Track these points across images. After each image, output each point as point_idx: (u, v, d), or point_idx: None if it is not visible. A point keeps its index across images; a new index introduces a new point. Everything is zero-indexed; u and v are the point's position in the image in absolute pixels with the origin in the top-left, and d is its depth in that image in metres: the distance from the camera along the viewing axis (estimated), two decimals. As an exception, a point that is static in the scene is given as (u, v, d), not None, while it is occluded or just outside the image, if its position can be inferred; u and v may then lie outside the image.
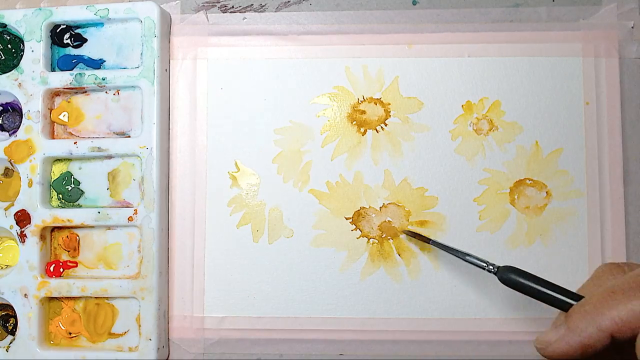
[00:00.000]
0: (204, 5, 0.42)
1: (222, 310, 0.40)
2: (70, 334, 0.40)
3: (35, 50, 0.40)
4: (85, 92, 0.41)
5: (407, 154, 0.41)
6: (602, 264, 0.28)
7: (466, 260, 0.35)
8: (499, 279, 0.33)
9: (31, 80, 0.40)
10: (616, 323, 0.23)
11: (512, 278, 0.32)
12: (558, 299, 0.29)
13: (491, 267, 0.34)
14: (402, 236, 0.40)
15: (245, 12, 0.42)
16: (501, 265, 0.33)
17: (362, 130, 0.41)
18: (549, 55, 0.40)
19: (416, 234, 0.39)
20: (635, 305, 0.23)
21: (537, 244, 0.40)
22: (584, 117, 0.40)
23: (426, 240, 0.38)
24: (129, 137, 0.40)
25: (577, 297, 0.28)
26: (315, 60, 0.41)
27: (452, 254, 0.36)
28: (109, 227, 0.40)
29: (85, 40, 0.41)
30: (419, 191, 0.40)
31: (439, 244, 0.38)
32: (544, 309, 0.39)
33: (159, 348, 0.39)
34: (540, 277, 0.31)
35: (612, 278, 0.26)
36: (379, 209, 0.40)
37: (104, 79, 0.40)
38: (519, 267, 0.32)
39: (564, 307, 0.28)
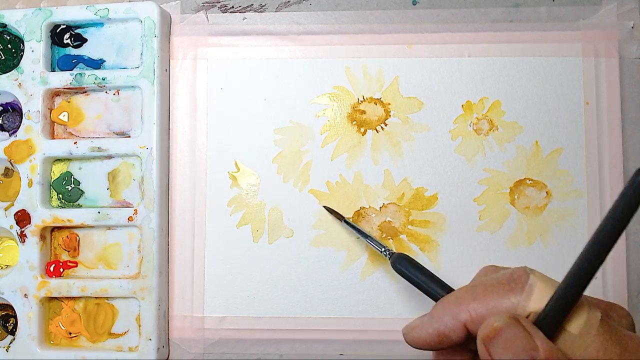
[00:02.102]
0: (204, 5, 0.42)
1: (222, 310, 0.40)
2: (70, 334, 0.40)
3: (35, 50, 0.40)
4: (85, 92, 0.41)
5: (407, 154, 0.41)
6: (485, 265, 0.29)
7: (368, 243, 0.37)
8: (392, 266, 0.34)
9: (31, 80, 0.40)
10: (470, 315, 0.24)
11: (402, 265, 0.33)
12: (434, 290, 0.30)
13: (387, 253, 0.35)
14: (323, 208, 0.41)
15: (245, 12, 0.42)
16: (396, 252, 0.34)
17: (362, 130, 0.41)
18: (549, 55, 0.40)
19: (333, 210, 0.40)
20: (490, 301, 0.24)
21: (537, 244, 0.40)
22: (584, 117, 0.40)
23: (340, 217, 0.39)
24: (129, 137, 0.40)
25: (451, 291, 0.29)
26: (315, 60, 0.41)
27: (359, 235, 0.38)
28: (109, 227, 0.40)
29: (85, 40, 0.41)
30: (419, 191, 0.40)
31: (350, 224, 0.39)
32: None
33: (159, 348, 0.39)
34: (429, 270, 0.32)
35: (483, 277, 0.27)
36: (379, 209, 0.40)
37: (104, 79, 0.40)
38: (411, 257, 0.33)
39: (437, 300, 0.29)
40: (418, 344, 0.26)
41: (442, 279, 0.32)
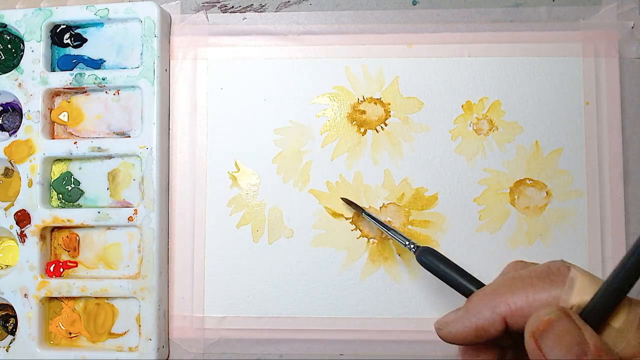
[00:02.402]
0: (204, 5, 0.42)
1: (222, 310, 0.40)
2: (70, 334, 0.40)
3: (35, 50, 0.40)
4: (85, 92, 0.41)
5: (407, 154, 0.41)
6: (512, 261, 0.29)
7: (390, 236, 0.37)
8: (417, 260, 0.33)
9: (31, 80, 0.40)
10: (510, 308, 0.24)
11: (428, 259, 0.32)
12: (463, 284, 0.30)
13: (412, 246, 0.35)
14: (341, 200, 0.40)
15: (245, 12, 0.42)
16: (422, 246, 0.34)
17: (362, 130, 0.41)
18: (549, 55, 0.40)
19: (352, 202, 0.40)
20: (530, 293, 0.23)
21: (537, 244, 0.40)
22: (584, 117, 0.40)
23: (360, 210, 0.39)
24: (129, 137, 0.40)
25: (482, 285, 0.29)
26: (315, 60, 0.41)
27: (381, 228, 0.38)
28: (109, 227, 0.40)
29: (85, 40, 0.41)
30: (419, 191, 0.40)
31: (370, 216, 0.38)
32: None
33: (159, 348, 0.39)
34: (456, 264, 0.31)
35: (514, 271, 0.27)
36: (379, 209, 0.40)
37: (104, 79, 0.40)
38: (437, 250, 0.33)
39: (468, 294, 0.29)
40: (454, 339, 0.26)
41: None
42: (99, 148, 0.40)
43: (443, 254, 0.38)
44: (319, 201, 0.40)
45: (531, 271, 0.24)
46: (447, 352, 0.39)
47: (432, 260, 0.32)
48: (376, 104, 0.41)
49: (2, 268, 0.41)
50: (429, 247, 0.33)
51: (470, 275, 0.30)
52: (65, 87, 0.40)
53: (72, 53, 0.41)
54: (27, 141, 0.40)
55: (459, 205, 0.40)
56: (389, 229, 0.37)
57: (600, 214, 0.39)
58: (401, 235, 0.36)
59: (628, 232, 0.39)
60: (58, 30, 0.41)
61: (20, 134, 0.40)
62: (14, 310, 0.39)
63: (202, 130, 0.41)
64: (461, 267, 0.31)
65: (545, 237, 0.40)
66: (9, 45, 0.41)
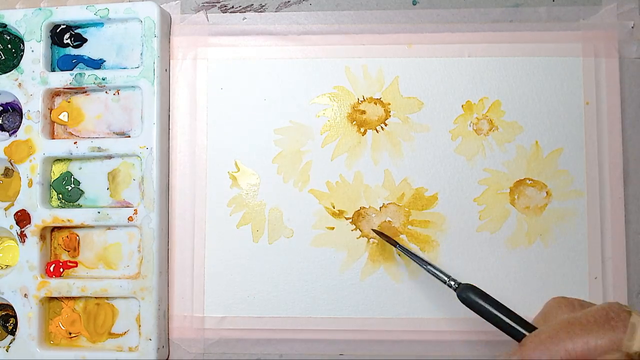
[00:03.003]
0: (204, 5, 0.42)
1: (222, 310, 0.40)
2: (70, 334, 0.40)
3: (35, 50, 0.40)
4: (85, 92, 0.41)
5: (407, 154, 0.41)
6: (552, 298, 0.28)
7: (428, 271, 0.35)
8: (458, 297, 0.33)
9: (31, 80, 0.40)
10: (570, 355, 0.23)
11: (471, 297, 0.32)
12: (513, 327, 0.29)
13: (452, 283, 0.34)
14: (372, 233, 0.39)
15: (245, 12, 0.42)
16: (463, 282, 0.33)
17: (362, 130, 0.41)
18: (549, 55, 0.40)
19: (384, 234, 0.39)
20: (591, 339, 0.23)
21: (537, 244, 0.40)
22: (584, 117, 0.40)
23: (393, 243, 0.38)
24: (129, 137, 0.40)
25: (531, 327, 0.28)
26: (315, 60, 0.41)
27: (415, 262, 0.36)
28: (109, 227, 0.40)
29: (85, 40, 0.41)
30: (419, 191, 0.40)
31: (405, 249, 0.37)
32: (544, 309, 0.39)
33: (159, 348, 0.39)
34: (500, 302, 0.31)
35: (562, 312, 0.27)
36: (379, 209, 0.40)
37: (104, 79, 0.40)
38: (479, 288, 0.32)
39: (518, 336, 0.28)
40: None
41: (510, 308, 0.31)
42: (99, 148, 0.40)
43: (441, 255, 0.38)
44: (319, 201, 0.40)
45: (588, 315, 0.24)
46: (447, 352, 0.39)
47: (474, 299, 0.31)
48: (376, 104, 0.41)
49: (2, 268, 0.41)
50: (470, 285, 0.32)
51: (517, 315, 0.30)
52: (65, 87, 0.40)
53: (72, 53, 0.41)
54: (27, 141, 0.40)
55: (459, 205, 0.40)
56: (425, 262, 0.36)
57: (600, 214, 0.39)
58: (439, 270, 0.35)
59: (628, 232, 0.39)
60: (58, 30, 0.41)
61: (20, 134, 0.40)
62: (14, 310, 0.39)
63: (202, 130, 0.41)
64: (505, 305, 0.31)
65: (545, 237, 0.40)
66: (9, 45, 0.41)
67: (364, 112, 0.41)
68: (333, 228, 0.40)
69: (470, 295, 0.32)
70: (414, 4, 0.41)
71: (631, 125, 0.40)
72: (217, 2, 0.42)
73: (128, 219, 0.39)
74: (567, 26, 0.40)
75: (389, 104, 0.41)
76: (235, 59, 0.41)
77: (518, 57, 0.40)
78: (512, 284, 0.39)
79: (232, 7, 0.42)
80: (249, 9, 0.42)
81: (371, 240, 0.40)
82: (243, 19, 0.42)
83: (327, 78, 0.41)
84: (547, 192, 0.40)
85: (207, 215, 0.41)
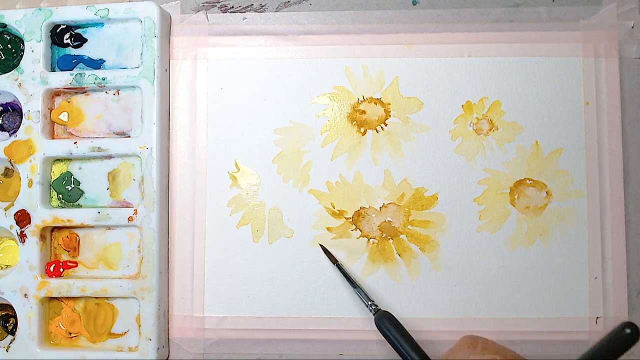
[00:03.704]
0: (204, 5, 0.42)
1: (222, 310, 0.40)
2: (70, 334, 0.40)
3: (35, 50, 0.40)
4: (85, 92, 0.41)
5: (407, 154, 0.41)
6: (464, 335, 0.30)
7: (356, 293, 0.38)
8: (374, 322, 0.35)
9: (31, 80, 0.40)
10: None
11: (383, 324, 0.34)
12: (411, 358, 0.32)
13: (372, 308, 0.36)
14: (320, 247, 0.40)
15: (245, 12, 0.42)
16: (382, 309, 0.36)
17: (362, 130, 0.41)
18: (549, 56, 0.40)
19: (327, 251, 0.40)
20: None
21: (537, 244, 0.40)
22: (584, 117, 0.40)
23: (333, 261, 0.39)
24: (129, 137, 0.40)
25: None
26: (315, 60, 0.41)
27: (348, 282, 0.38)
28: (109, 227, 0.40)
29: (85, 40, 0.41)
30: (419, 191, 0.40)
31: (342, 269, 0.39)
32: (542, 310, 0.39)
33: (159, 348, 0.39)
34: (409, 335, 0.34)
35: (461, 352, 0.28)
36: (379, 209, 0.40)
37: (104, 79, 0.40)
38: (396, 318, 0.35)
39: None
40: None
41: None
42: (99, 148, 0.40)
43: (441, 255, 0.38)
44: (319, 201, 0.40)
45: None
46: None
47: (387, 327, 0.34)
48: (376, 104, 0.41)
49: (2, 268, 0.41)
50: (387, 312, 0.35)
51: (422, 352, 0.32)
52: (65, 87, 0.40)
53: (72, 53, 0.41)
54: (27, 141, 0.40)
55: (459, 205, 0.40)
56: (354, 285, 0.38)
57: (600, 214, 0.39)
58: (364, 295, 0.37)
59: (628, 232, 0.39)
60: (58, 30, 0.41)
61: (20, 134, 0.40)
62: (14, 310, 0.39)
63: (202, 130, 0.41)
64: (414, 340, 0.33)
65: (545, 237, 0.40)
66: (9, 45, 0.41)
67: (364, 112, 0.41)
68: (333, 228, 0.40)
69: (383, 322, 0.34)
70: (414, 4, 0.41)
71: (631, 125, 0.40)
72: (217, 2, 0.42)
73: (128, 219, 0.39)
74: (567, 26, 0.40)
75: (389, 104, 0.41)
76: (235, 59, 0.41)
77: (518, 57, 0.40)
78: (512, 284, 0.39)
79: (232, 7, 0.42)
80: (249, 9, 0.42)
81: (371, 240, 0.40)
82: (243, 19, 0.42)
83: (327, 78, 0.41)
84: (547, 192, 0.40)
85: (207, 215, 0.41)
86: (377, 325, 0.35)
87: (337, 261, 0.39)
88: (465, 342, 0.28)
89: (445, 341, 0.39)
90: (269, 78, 0.41)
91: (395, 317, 0.35)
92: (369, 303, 0.37)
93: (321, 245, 0.40)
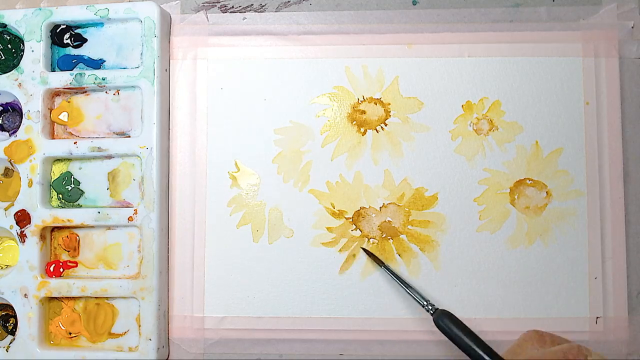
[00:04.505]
0: (204, 5, 0.42)
1: (222, 310, 0.40)
2: (70, 334, 0.40)
3: (35, 50, 0.40)
4: (85, 92, 0.41)
5: (407, 154, 0.41)
6: (528, 330, 0.30)
7: (408, 293, 0.37)
8: (434, 321, 0.35)
9: (31, 80, 0.40)
10: None
11: (446, 323, 0.34)
12: (479, 356, 0.31)
13: (429, 307, 0.36)
14: (362, 252, 0.40)
15: (245, 12, 0.42)
16: (440, 308, 0.35)
17: (362, 130, 0.41)
18: (549, 55, 0.40)
19: (372, 254, 0.40)
20: None
21: (537, 244, 0.40)
22: (584, 117, 0.40)
23: (379, 263, 0.39)
24: (129, 137, 0.40)
25: (498, 357, 0.30)
26: (315, 60, 0.41)
27: (398, 283, 0.38)
28: (109, 227, 0.40)
29: (85, 40, 0.41)
30: (419, 191, 0.40)
31: (391, 271, 0.39)
32: (542, 310, 0.39)
33: (159, 348, 0.39)
34: (473, 331, 0.33)
35: (532, 347, 0.28)
36: (379, 209, 0.40)
37: (104, 79, 0.40)
38: (456, 316, 0.34)
39: None
40: None
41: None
42: (99, 148, 0.40)
43: (441, 255, 0.38)
44: (319, 201, 0.40)
45: (547, 355, 0.25)
46: (447, 352, 0.39)
47: (449, 325, 0.33)
48: (376, 104, 0.41)
49: (2, 268, 0.41)
50: (446, 311, 0.34)
51: (488, 347, 0.31)
52: (65, 87, 0.40)
53: (72, 53, 0.41)
54: (27, 141, 0.40)
55: (459, 205, 0.40)
56: (407, 285, 0.37)
57: (600, 214, 0.39)
58: (418, 294, 0.37)
59: (628, 232, 0.39)
60: (58, 30, 0.41)
61: (20, 134, 0.40)
62: (14, 310, 0.39)
63: (202, 130, 0.41)
64: (477, 335, 0.32)
65: (545, 237, 0.40)
66: (9, 45, 0.41)
67: (364, 112, 0.41)
68: (333, 228, 0.40)
69: (445, 321, 0.34)
70: (414, 4, 0.41)
71: (631, 125, 0.40)
72: (217, 2, 0.42)
73: (128, 219, 0.39)
74: (567, 26, 0.40)
75: (389, 104, 0.41)
76: (235, 59, 0.41)
77: (518, 57, 0.40)
78: (512, 284, 0.39)
79: (232, 7, 0.42)
80: (249, 9, 0.42)
81: (371, 240, 0.40)
82: (243, 19, 0.42)
83: (327, 78, 0.41)
84: (547, 192, 0.40)
85: (207, 215, 0.41)
86: (437, 325, 0.34)
87: (383, 263, 0.39)
88: (532, 337, 0.28)
89: (445, 341, 0.39)
90: (269, 78, 0.41)
91: (455, 315, 0.35)
92: (425, 303, 0.36)
93: (364, 249, 0.40)
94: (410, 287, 0.37)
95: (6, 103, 0.42)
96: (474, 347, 0.31)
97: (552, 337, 0.27)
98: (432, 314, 0.35)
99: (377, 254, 0.40)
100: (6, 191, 0.41)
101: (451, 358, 0.39)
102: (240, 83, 0.41)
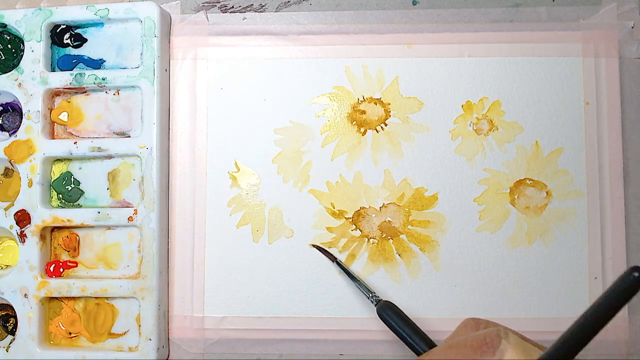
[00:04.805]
0: (204, 5, 0.42)
1: (222, 310, 0.40)
2: (70, 334, 0.40)
3: (35, 50, 0.40)
4: (85, 92, 0.41)
5: (407, 154, 0.41)
6: (467, 318, 0.30)
7: (356, 286, 0.38)
8: (377, 312, 0.35)
9: (31, 80, 0.40)
10: None
11: (386, 313, 0.34)
12: (417, 345, 0.32)
13: (373, 299, 0.36)
14: (312, 248, 0.40)
15: (245, 12, 0.42)
16: (383, 299, 0.36)
17: (362, 130, 0.41)
18: (549, 55, 0.40)
19: (324, 250, 0.40)
20: None
21: (537, 244, 0.40)
22: (584, 117, 0.40)
23: (332, 258, 0.39)
24: (129, 137, 0.40)
25: (432, 345, 0.31)
26: (315, 60, 0.41)
27: (349, 277, 0.39)
28: (109, 227, 0.40)
29: (85, 40, 0.41)
30: (419, 191, 0.40)
31: (341, 265, 0.39)
32: (542, 310, 0.39)
33: (159, 348, 0.39)
34: (413, 323, 0.34)
35: (464, 332, 0.28)
36: (379, 209, 0.40)
37: (104, 79, 0.40)
38: (398, 306, 0.35)
39: (418, 354, 0.31)
40: None
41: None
42: (99, 148, 0.40)
43: (441, 255, 0.37)
44: (319, 201, 0.40)
45: (467, 340, 0.25)
46: (447, 352, 0.39)
47: (390, 316, 0.34)
48: (376, 104, 0.41)
49: (2, 268, 0.41)
50: (389, 302, 0.35)
51: (426, 337, 0.32)
52: (65, 87, 0.40)
53: (72, 53, 0.41)
54: (27, 141, 0.40)
55: (459, 205, 0.40)
56: (354, 279, 0.38)
57: (600, 214, 0.39)
58: (365, 288, 0.38)
59: (628, 232, 0.39)
60: (58, 30, 0.41)
61: (20, 134, 0.40)
62: (14, 310, 0.39)
63: (202, 130, 0.41)
64: (418, 327, 0.33)
65: (545, 237, 0.40)
66: (9, 45, 0.41)
67: (364, 112, 0.41)
68: (333, 228, 0.40)
69: (385, 311, 0.35)
70: (414, 4, 0.41)
71: (631, 125, 0.40)
72: (217, 2, 0.42)
73: (128, 219, 0.39)
74: (567, 26, 0.40)
75: (389, 104, 0.41)
76: (235, 59, 0.41)
77: (518, 57, 0.40)
78: (512, 284, 0.39)
79: (232, 7, 0.42)
80: (249, 9, 0.42)
81: (371, 240, 0.40)
82: (243, 19, 0.42)
83: (327, 78, 0.41)
84: (547, 192, 0.40)
85: (207, 215, 0.41)
86: (379, 315, 0.35)
87: (335, 258, 0.39)
88: (468, 324, 0.28)
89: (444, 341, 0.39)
90: (269, 78, 0.41)
91: (397, 305, 0.35)
92: (370, 295, 0.37)
93: (315, 246, 0.40)
94: (357, 280, 0.38)
95: (6, 103, 0.42)
96: (414, 337, 0.33)
97: (487, 323, 0.28)
98: (375, 305, 0.36)
99: (377, 254, 0.40)
100: (6, 191, 0.41)
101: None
102: (240, 83, 0.41)
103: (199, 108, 0.41)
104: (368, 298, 0.37)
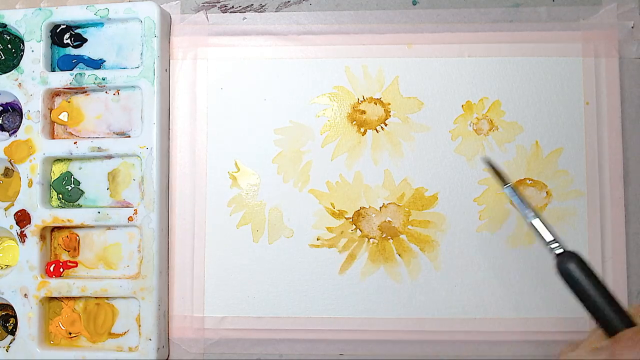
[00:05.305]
0: (204, 5, 0.42)
1: (222, 310, 0.40)
2: (70, 334, 0.40)
3: (35, 50, 0.40)
4: (85, 92, 0.41)
5: (407, 154, 0.40)
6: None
7: (533, 225, 0.29)
8: (557, 266, 0.28)
9: (31, 80, 0.40)
10: None
11: (571, 268, 0.27)
12: (607, 315, 0.25)
13: (554, 246, 0.28)
14: (485, 165, 0.32)
15: (245, 12, 0.42)
16: (570, 249, 0.28)
17: (362, 130, 0.41)
18: (549, 56, 0.40)
19: (497, 170, 0.31)
20: None
21: (537, 244, 0.40)
22: (584, 117, 0.40)
23: (504, 183, 0.31)
24: (129, 137, 0.40)
25: (629, 322, 0.24)
26: (315, 60, 0.41)
27: (522, 209, 0.30)
28: (109, 227, 0.40)
29: (85, 40, 0.41)
30: (419, 191, 0.40)
31: (516, 193, 0.30)
32: (542, 310, 0.39)
33: (159, 348, 0.39)
34: (603, 283, 0.27)
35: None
36: (379, 209, 0.40)
37: (104, 79, 0.40)
38: (585, 261, 0.27)
39: (611, 329, 0.25)
40: None
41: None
42: (99, 148, 0.40)
43: (441, 255, 0.37)
44: (319, 201, 0.40)
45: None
46: (447, 352, 0.39)
47: (575, 271, 0.27)
48: (376, 104, 0.41)
49: (2, 268, 0.41)
50: (574, 253, 0.27)
51: (617, 303, 0.26)
52: (65, 87, 0.40)
53: (72, 53, 0.41)
54: (27, 141, 0.40)
55: (459, 205, 0.40)
56: (533, 213, 0.29)
57: (600, 214, 0.39)
58: (546, 225, 0.29)
59: (628, 232, 0.39)
60: (58, 30, 0.41)
61: (20, 134, 0.40)
62: (14, 310, 0.39)
63: (202, 130, 0.41)
64: (608, 290, 0.26)
65: (545, 237, 0.40)
66: (9, 45, 0.41)
67: (364, 112, 0.41)
68: (333, 228, 0.40)
69: (570, 265, 0.27)
70: (414, 4, 0.41)
71: (631, 125, 0.40)
72: (217, 2, 0.42)
73: (128, 219, 0.39)
74: (567, 26, 0.40)
75: (389, 104, 0.41)
76: (235, 59, 0.41)
77: (518, 57, 0.40)
78: (512, 284, 0.39)
79: (232, 7, 0.42)
80: (249, 9, 0.42)
81: (371, 240, 0.40)
82: (243, 19, 0.42)
83: (327, 78, 0.41)
84: (547, 192, 0.40)
85: (207, 215, 0.41)
86: (559, 271, 0.27)
87: (509, 184, 0.31)
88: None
89: (445, 341, 0.39)
90: (269, 78, 0.41)
91: (584, 259, 0.28)
92: (549, 241, 0.28)
93: (489, 162, 0.32)
94: (538, 216, 0.29)
95: (6, 103, 0.42)
96: (600, 301, 0.26)
97: None
98: (557, 256, 0.28)
99: (377, 254, 0.40)
100: (6, 191, 0.41)
101: (451, 357, 0.39)
102: (240, 83, 0.41)
103: (199, 108, 0.41)
104: (545, 245, 0.28)
